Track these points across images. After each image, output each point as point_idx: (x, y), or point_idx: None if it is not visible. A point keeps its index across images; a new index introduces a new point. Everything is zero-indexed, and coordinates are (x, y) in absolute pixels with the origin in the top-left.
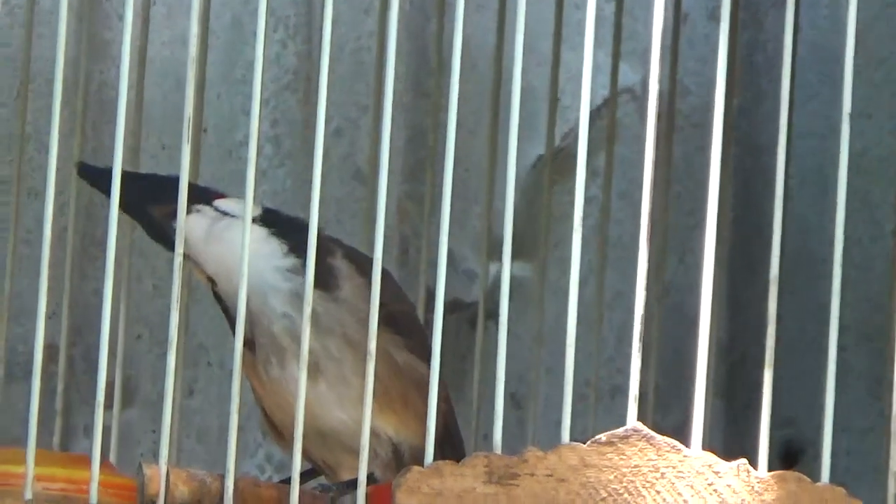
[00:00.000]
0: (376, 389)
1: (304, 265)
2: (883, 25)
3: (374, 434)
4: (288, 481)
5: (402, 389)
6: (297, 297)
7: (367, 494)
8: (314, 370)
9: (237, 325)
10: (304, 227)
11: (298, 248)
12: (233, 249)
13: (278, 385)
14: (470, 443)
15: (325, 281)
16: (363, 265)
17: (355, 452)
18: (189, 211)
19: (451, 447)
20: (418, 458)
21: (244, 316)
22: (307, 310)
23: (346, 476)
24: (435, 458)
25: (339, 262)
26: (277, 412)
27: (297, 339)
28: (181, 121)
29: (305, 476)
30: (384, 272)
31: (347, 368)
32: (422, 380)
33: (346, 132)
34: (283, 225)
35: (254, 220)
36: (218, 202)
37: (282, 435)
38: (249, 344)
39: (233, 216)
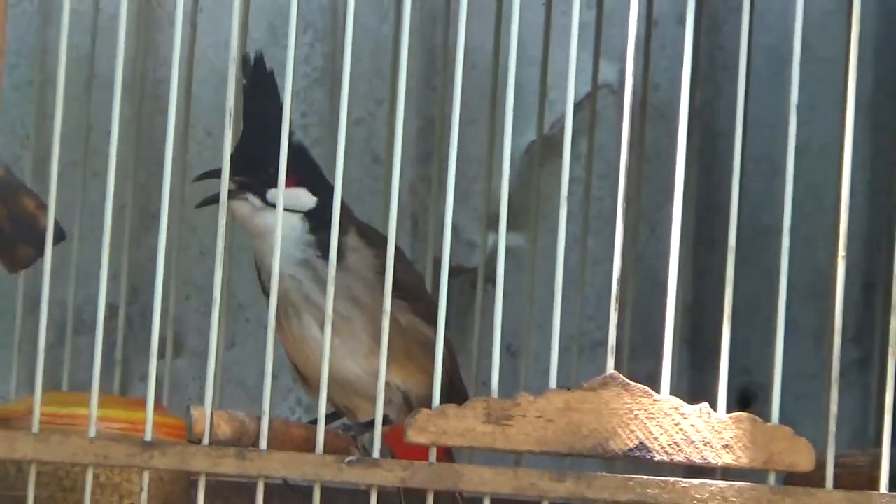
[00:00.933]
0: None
1: (317, 241)
2: (826, 29)
3: (385, 383)
4: (315, 422)
5: (404, 346)
6: (306, 263)
7: (383, 433)
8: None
9: (271, 292)
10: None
11: (317, 229)
12: (269, 226)
13: (299, 338)
14: (471, 389)
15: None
16: (373, 239)
17: (368, 398)
18: (237, 197)
19: (456, 397)
20: (426, 405)
21: (277, 282)
22: (331, 274)
23: (363, 418)
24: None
25: (351, 237)
26: (300, 362)
27: (305, 298)
28: (224, 112)
29: (330, 418)
30: (396, 248)
31: (357, 325)
32: (424, 338)
33: (365, 122)
34: (316, 211)
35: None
36: (270, 193)
37: (307, 382)
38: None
39: (273, 206)
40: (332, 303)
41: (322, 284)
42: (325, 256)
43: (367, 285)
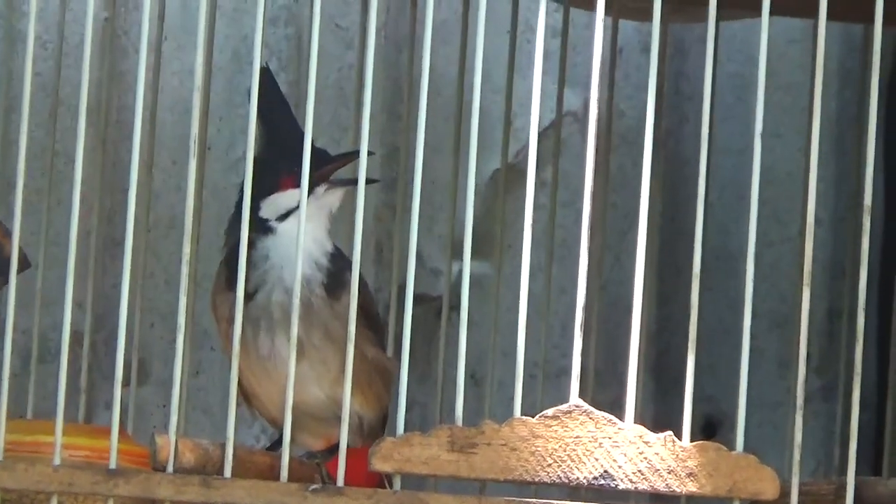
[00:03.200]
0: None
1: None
2: (791, 57)
3: (342, 406)
4: (277, 448)
5: (368, 376)
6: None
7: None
8: (300, 353)
9: (236, 321)
10: None
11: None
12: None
13: (266, 356)
14: (435, 416)
15: (334, 291)
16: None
17: (317, 418)
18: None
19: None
20: (377, 428)
21: (242, 311)
22: (295, 303)
23: (302, 435)
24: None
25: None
26: (257, 379)
27: (286, 317)
28: (189, 140)
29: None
30: (361, 278)
31: (328, 354)
32: (383, 368)
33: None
34: None
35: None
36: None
37: (258, 399)
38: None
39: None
40: (296, 328)
41: (310, 311)
42: (329, 294)
43: (341, 320)
